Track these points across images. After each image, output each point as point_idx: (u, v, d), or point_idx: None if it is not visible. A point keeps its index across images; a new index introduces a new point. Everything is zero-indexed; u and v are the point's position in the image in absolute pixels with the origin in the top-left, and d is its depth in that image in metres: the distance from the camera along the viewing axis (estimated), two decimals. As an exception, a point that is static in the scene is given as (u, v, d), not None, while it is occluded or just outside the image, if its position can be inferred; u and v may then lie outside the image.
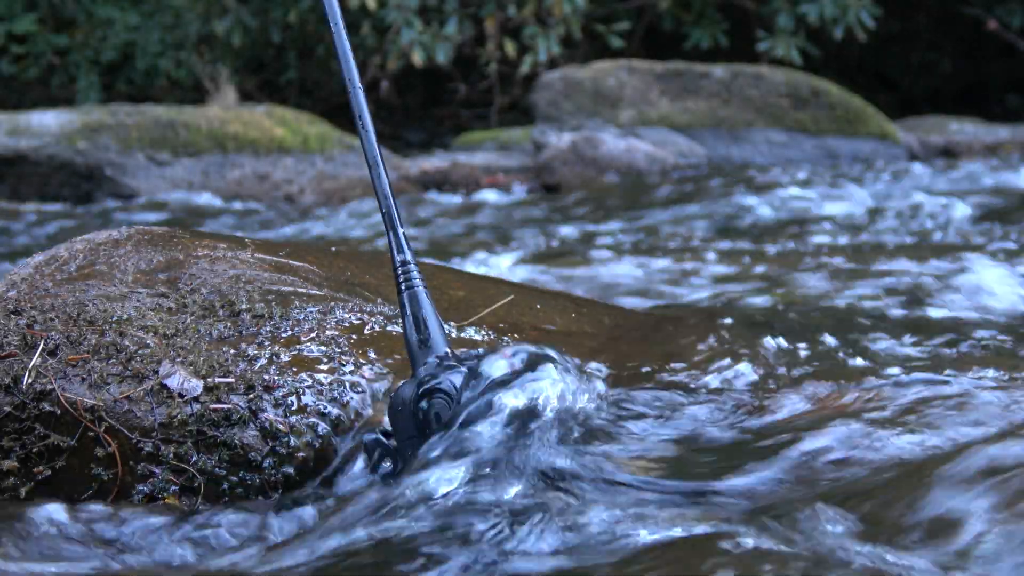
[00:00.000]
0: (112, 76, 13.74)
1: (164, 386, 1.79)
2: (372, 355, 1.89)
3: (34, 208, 7.36)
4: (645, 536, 1.43)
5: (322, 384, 1.82)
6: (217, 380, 1.80)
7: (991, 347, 2.41)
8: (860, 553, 1.34)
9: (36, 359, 1.80)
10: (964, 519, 1.38)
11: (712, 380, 2.12)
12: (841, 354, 2.30)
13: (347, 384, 1.83)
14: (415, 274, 1.73)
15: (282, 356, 1.85)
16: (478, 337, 2.06)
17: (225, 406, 1.77)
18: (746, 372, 2.12)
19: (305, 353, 1.87)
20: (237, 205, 7.45)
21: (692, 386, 2.08)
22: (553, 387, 1.63)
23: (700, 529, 1.43)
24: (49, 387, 1.78)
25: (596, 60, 9.94)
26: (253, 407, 1.78)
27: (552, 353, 1.67)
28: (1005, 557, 1.30)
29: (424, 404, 1.62)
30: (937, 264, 3.84)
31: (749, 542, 1.36)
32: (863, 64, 13.00)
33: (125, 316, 1.89)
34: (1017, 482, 1.41)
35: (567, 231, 5.85)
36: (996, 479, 1.44)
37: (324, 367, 1.85)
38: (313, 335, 1.92)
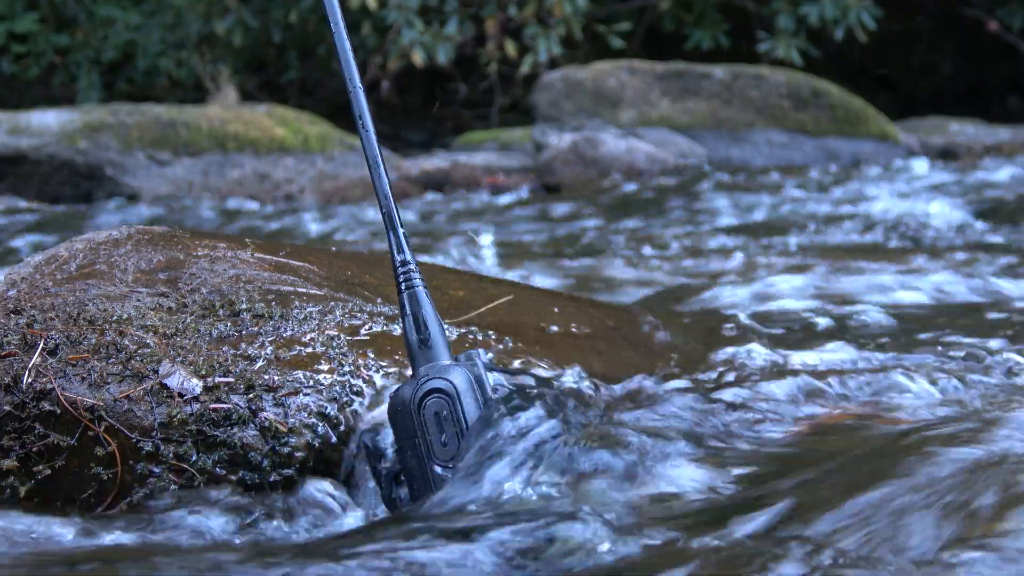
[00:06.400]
0: (113, 75, 13.75)
1: (164, 386, 1.79)
2: (372, 355, 1.89)
3: (34, 207, 7.36)
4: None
5: (322, 384, 1.82)
6: (217, 380, 1.80)
7: (985, 349, 2.40)
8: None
9: (36, 358, 1.80)
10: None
11: (711, 378, 2.12)
12: (838, 354, 2.30)
13: (347, 384, 1.83)
14: (415, 274, 1.73)
15: (282, 356, 1.86)
16: (479, 338, 2.06)
17: (225, 406, 1.77)
18: (745, 371, 2.12)
19: (305, 353, 1.87)
20: (237, 205, 7.45)
21: (691, 384, 2.08)
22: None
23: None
24: (49, 386, 1.78)
25: (597, 60, 9.94)
26: (253, 407, 1.78)
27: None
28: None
29: (424, 404, 1.62)
30: (933, 264, 3.84)
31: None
32: (864, 65, 13.00)
33: (125, 316, 1.89)
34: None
35: (567, 231, 5.85)
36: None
37: (324, 367, 1.85)
38: (313, 335, 1.92)
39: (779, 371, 2.15)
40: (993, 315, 2.87)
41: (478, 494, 1.56)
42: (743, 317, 2.67)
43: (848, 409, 1.95)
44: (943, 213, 5.65)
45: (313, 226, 6.52)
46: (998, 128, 9.83)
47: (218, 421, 1.76)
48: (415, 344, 1.69)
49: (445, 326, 1.75)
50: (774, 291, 3.39)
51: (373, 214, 6.63)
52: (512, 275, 4.09)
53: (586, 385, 1.95)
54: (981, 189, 6.43)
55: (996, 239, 4.83)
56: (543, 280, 4.05)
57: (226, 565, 1.48)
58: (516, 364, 1.99)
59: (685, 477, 1.69)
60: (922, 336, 2.53)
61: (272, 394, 1.79)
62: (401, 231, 1.75)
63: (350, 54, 1.81)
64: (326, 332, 1.93)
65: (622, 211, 6.46)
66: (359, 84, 1.80)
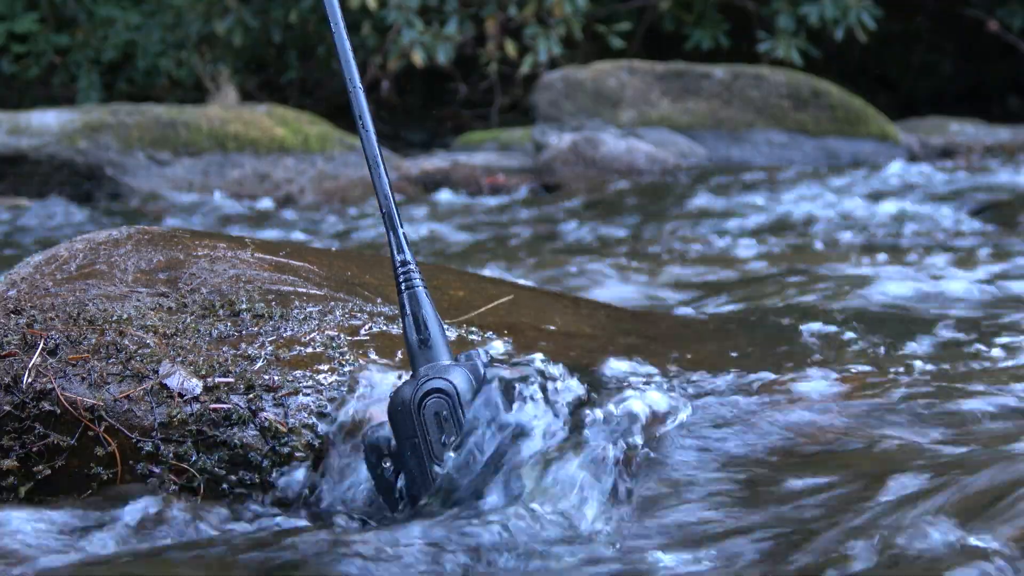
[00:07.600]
0: (113, 75, 13.74)
1: (164, 386, 1.79)
2: (372, 355, 1.89)
3: (34, 207, 7.36)
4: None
5: (322, 384, 1.82)
6: (217, 380, 1.80)
7: (975, 344, 2.40)
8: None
9: (36, 358, 1.80)
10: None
11: (711, 376, 2.12)
12: (834, 352, 2.30)
13: (347, 384, 1.83)
14: (415, 274, 1.73)
15: (282, 356, 1.86)
16: (479, 338, 2.06)
17: (225, 406, 1.77)
18: (743, 369, 2.12)
19: (305, 353, 1.87)
20: (237, 204, 7.45)
21: (691, 384, 2.08)
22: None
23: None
24: (49, 386, 1.78)
25: (597, 60, 9.93)
26: (253, 407, 1.78)
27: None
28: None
29: (424, 404, 1.62)
30: (931, 264, 3.84)
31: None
32: (864, 65, 13.00)
33: (125, 316, 1.89)
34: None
35: (567, 231, 5.85)
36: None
37: (324, 367, 1.85)
38: (313, 335, 1.92)
39: (777, 367, 2.15)
40: (991, 315, 2.87)
41: (473, 495, 1.56)
42: (743, 313, 2.68)
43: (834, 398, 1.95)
44: (941, 212, 5.66)
45: (313, 226, 6.52)
46: (998, 128, 9.83)
47: (218, 421, 1.76)
48: (415, 344, 1.69)
49: (445, 326, 1.75)
50: (774, 291, 3.39)
51: (373, 214, 6.63)
52: (512, 275, 4.09)
53: (586, 386, 1.95)
54: (980, 189, 6.43)
55: (994, 239, 4.83)
56: (543, 280, 4.05)
57: (225, 565, 1.48)
58: (516, 364, 1.99)
59: (689, 475, 1.69)
60: (919, 335, 2.53)
61: (272, 394, 1.79)
62: (401, 231, 1.75)
63: (350, 54, 1.81)
64: (326, 332, 1.93)
65: (622, 211, 6.46)
66: (359, 84, 1.80)
